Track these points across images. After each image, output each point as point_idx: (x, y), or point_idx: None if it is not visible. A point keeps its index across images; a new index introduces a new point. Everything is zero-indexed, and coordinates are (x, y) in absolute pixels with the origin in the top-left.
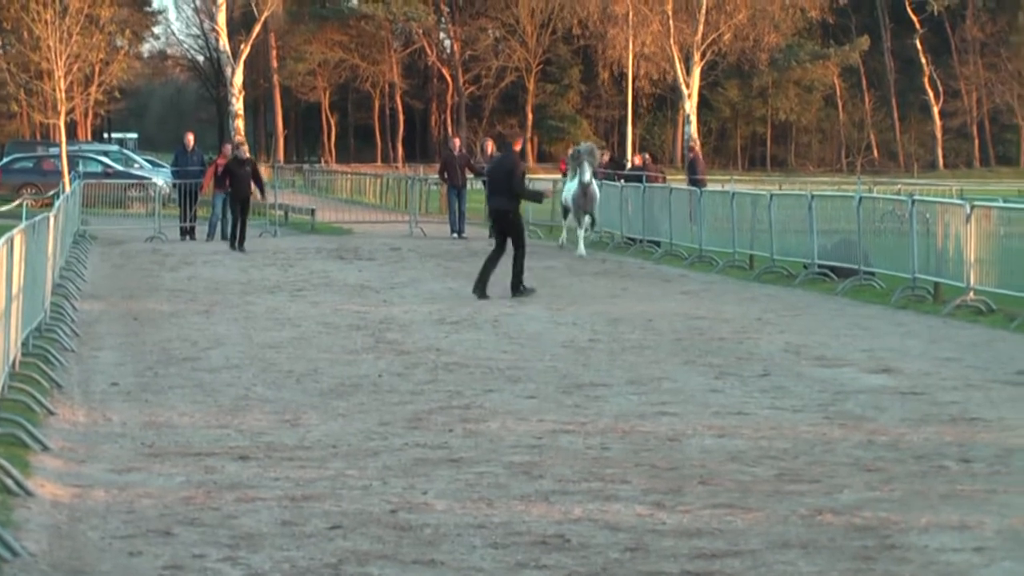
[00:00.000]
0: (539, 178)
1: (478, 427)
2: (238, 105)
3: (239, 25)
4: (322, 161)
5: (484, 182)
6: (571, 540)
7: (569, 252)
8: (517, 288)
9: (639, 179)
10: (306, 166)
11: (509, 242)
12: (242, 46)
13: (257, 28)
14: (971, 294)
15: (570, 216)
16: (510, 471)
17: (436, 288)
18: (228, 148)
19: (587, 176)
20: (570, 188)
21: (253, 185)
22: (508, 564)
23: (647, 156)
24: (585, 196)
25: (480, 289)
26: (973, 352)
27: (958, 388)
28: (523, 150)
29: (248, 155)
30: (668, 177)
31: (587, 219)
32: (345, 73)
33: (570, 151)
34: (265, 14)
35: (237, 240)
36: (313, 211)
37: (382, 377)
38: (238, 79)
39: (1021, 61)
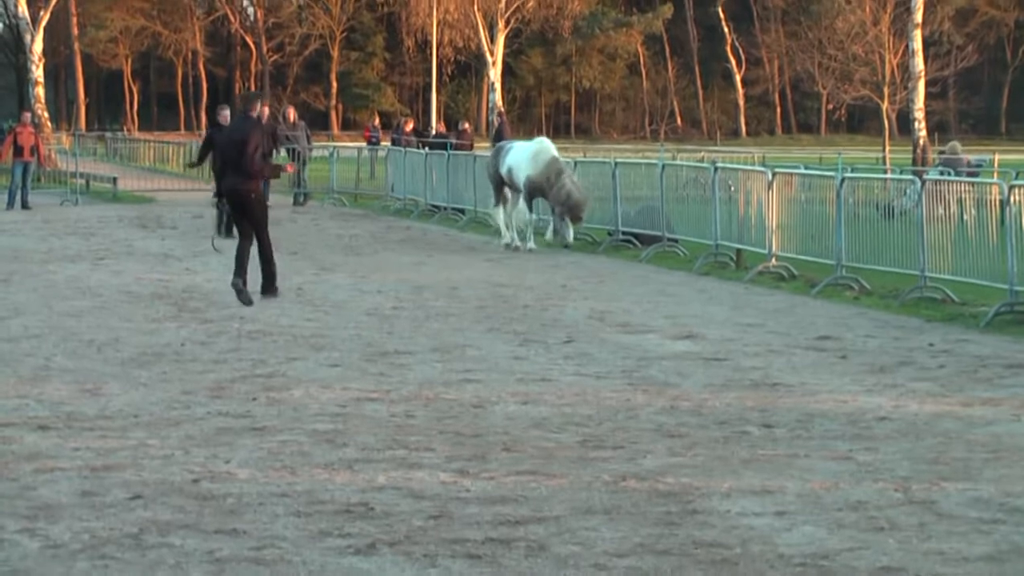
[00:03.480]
0: (344, 145)
1: (281, 395)
2: (38, 73)
3: None
4: (124, 129)
5: (288, 150)
6: (375, 508)
7: (384, 221)
8: (269, 288)
9: (443, 146)
10: (108, 134)
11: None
12: (41, 13)
13: None
14: (773, 260)
15: (518, 199)
16: (313, 439)
17: None
18: (27, 115)
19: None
20: (518, 159)
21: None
22: (311, 533)
23: (466, 125)
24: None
25: (239, 279)
26: (775, 318)
27: (760, 354)
28: (264, 116)
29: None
30: (475, 144)
31: (527, 216)
32: (147, 40)
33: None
34: None
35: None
36: (115, 179)
37: (184, 346)
38: (38, 46)
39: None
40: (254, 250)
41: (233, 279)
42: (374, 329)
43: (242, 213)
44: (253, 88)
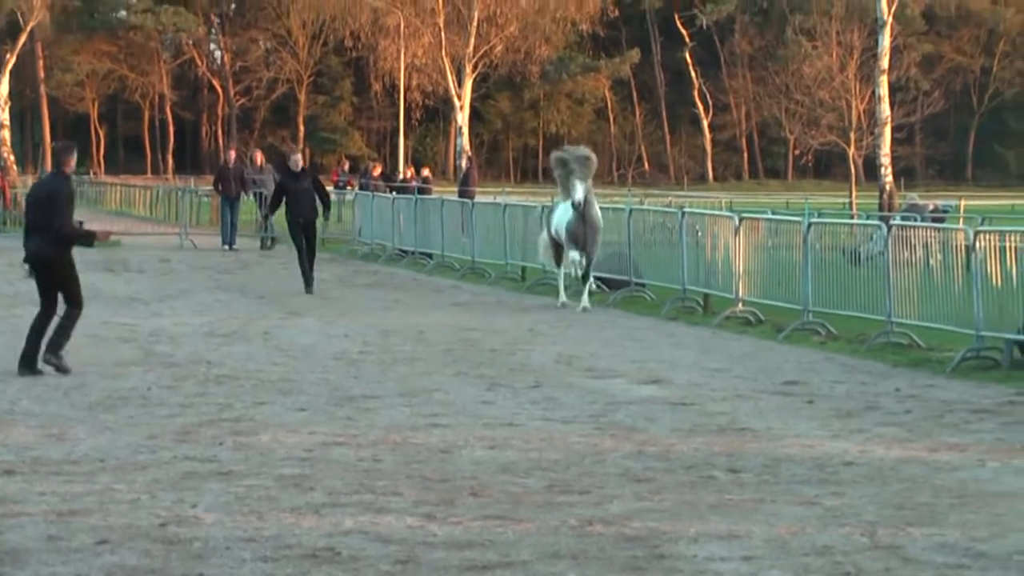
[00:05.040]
0: None
1: (248, 440)
2: (4, 116)
3: (4, 34)
4: (91, 173)
5: (256, 194)
6: (342, 553)
7: (351, 265)
8: (54, 353)
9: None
10: (74, 177)
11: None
12: (8, 55)
13: (23, 37)
14: (740, 305)
15: (563, 254)
16: (280, 484)
17: (207, 300)
18: None
19: (579, 194)
20: (561, 215)
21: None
22: None
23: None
24: (583, 224)
25: (28, 365)
26: (742, 363)
27: (727, 399)
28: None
29: (303, 164)
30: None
31: (577, 256)
32: (114, 84)
33: (553, 155)
34: (31, 23)
35: (305, 279)
36: (81, 223)
37: (151, 390)
38: (4, 89)
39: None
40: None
41: (47, 356)
42: (341, 373)
43: (48, 280)
44: (220, 132)
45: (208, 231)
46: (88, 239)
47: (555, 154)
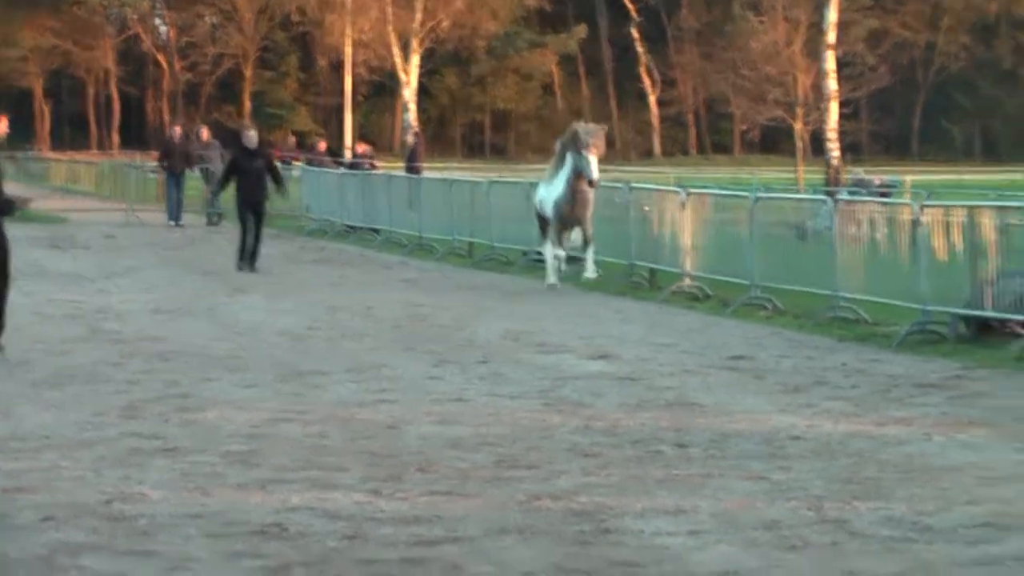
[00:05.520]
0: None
1: (195, 416)
2: None
3: None
4: (36, 149)
5: (202, 169)
6: (289, 529)
7: (298, 242)
8: None
9: (359, 167)
10: (19, 154)
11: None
12: None
13: None
14: (687, 280)
15: (550, 232)
16: (227, 460)
17: (153, 277)
18: None
19: (594, 171)
20: (548, 190)
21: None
22: (225, 554)
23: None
24: (575, 201)
25: None
26: (689, 337)
27: (674, 373)
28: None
29: (255, 142)
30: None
31: (576, 235)
32: (58, 59)
33: (564, 137)
34: None
35: (249, 259)
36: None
37: (97, 367)
38: None
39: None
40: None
41: None
42: (288, 349)
43: None
44: (166, 108)
45: (154, 207)
46: (9, 208)
47: (569, 128)
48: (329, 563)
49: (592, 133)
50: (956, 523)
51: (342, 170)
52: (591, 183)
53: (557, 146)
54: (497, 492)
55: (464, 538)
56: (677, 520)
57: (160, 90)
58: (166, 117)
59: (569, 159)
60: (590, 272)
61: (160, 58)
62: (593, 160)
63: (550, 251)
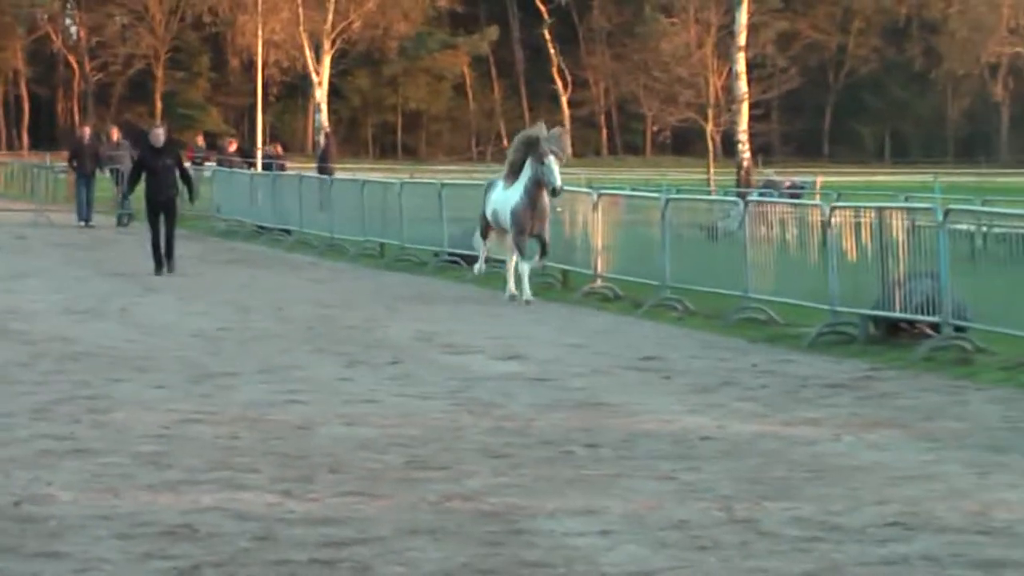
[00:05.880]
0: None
1: (105, 417)
2: None
3: None
4: None
5: (111, 170)
6: (199, 530)
7: (210, 242)
8: None
9: (269, 167)
10: None
11: None
12: None
13: None
14: (598, 281)
15: (506, 238)
16: (137, 461)
17: (63, 277)
18: None
19: (558, 179)
20: (504, 198)
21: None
22: (135, 555)
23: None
24: (535, 211)
25: None
26: (600, 338)
27: (585, 374)
28: None
29: (163, 140)
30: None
31: (534, 245)
32: None
33: (518, 138)
34: None
35: (165, 259)
36: None
37: (6, 368)
38: None
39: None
40: None
41: None
42: (199, 350)
43: None
44: (77, 108)
45: (64, 208)
46: None
47: (525, 133)
48: (239, 564)
49: (553, 140)
50: (865, 523)
51: (253, 170)
52: (554, 191)
53: (510, 153)
54: (408, 493)
55: (374, 539)
56: (587, 520)
57: (71, 90)
58: (76, 117)
59: (528, 167)
60: (528, 293)
61: (71, 58)
62: (556, 167)
63: (517, 263)
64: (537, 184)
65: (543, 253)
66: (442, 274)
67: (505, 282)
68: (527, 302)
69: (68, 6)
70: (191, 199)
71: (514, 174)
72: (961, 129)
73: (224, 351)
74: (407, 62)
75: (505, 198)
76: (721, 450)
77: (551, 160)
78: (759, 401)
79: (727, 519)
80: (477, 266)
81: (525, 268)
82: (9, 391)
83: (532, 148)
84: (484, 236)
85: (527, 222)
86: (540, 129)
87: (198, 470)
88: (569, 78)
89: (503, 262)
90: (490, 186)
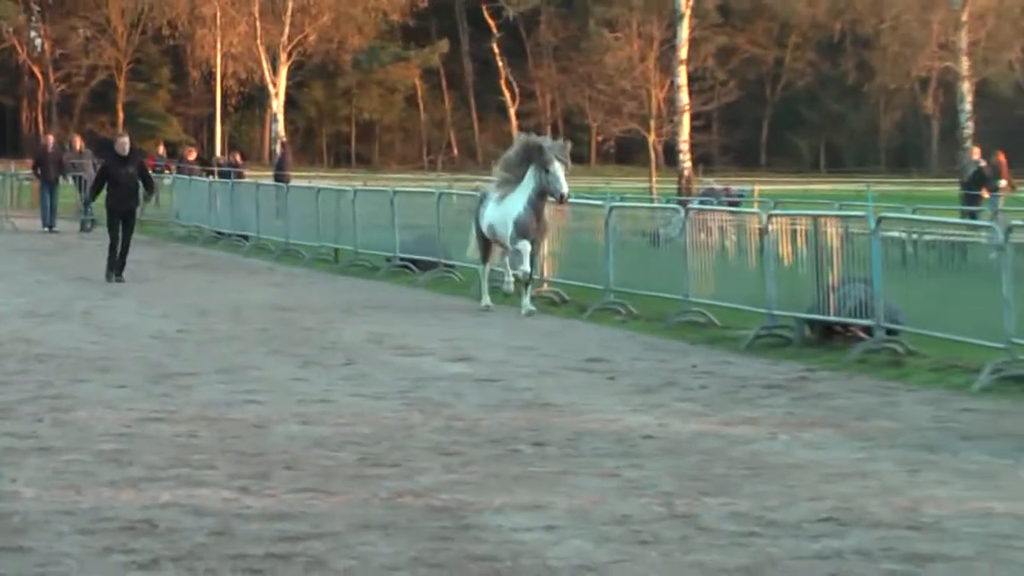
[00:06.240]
0: None
1: (68, 416)
2: None
3: None
4: None
5: (74, 177)
6: (159, 525)
7: (169, 247)
8: None
9: (228, 175)
10: None
11: None
12: None
13: None
14: (545, 286)
15: (497, 253)
16: (99, 459)
17: (27, 281)
18: None
19: (564, 186)
20: (503, 211)
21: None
22: (96, 550)
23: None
24: (539, 222)
25: None
26: (547, 341)
27: (532, 375)
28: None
29: (128, 148)
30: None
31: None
32: None
33: (517, 144)
34: None
35: (117, 268)
36: None
37: None
38: None
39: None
40: None
41: None
42: (159, 352)
43: None
44: (41, 118)
45: (28, 214)
46: None
47: (528, 139)
48: (197, 558)
49: (557, 148)
50: (800, 518)
51: (211, 179)
52: (561, 198)
53: (506, 162)
54: (360, 489)
55: (328, 534)
56: (534, 516)
57: (35, 100)
58: (41, 126)
59: (531, 177)
60: (528, 304)
61: (35, 69)
62: (562, 174)
63: (513, 271)
64: (541, 194)
65: (532, 263)
66: (394, 278)
67: (504, 289)
68: (528, 313)
69: (33, 19)
70: (154, 200)
71: (508, 184)
72: (893, 140)
73: (183, 352)
74: (360, 74)
75: (504, 210)
76: (662, 448)
77: (557, 167)
78: (699, 401)
79: (668, 514)
80: (484, 300)
81: (523, 277)
82: None
83: (535, 156)
84: (485, 259)
85: (531, 233)
86: (544, 138)
87: (157, 467)
88: (517, 90)
89: (502, 273)
90: (482, 200)
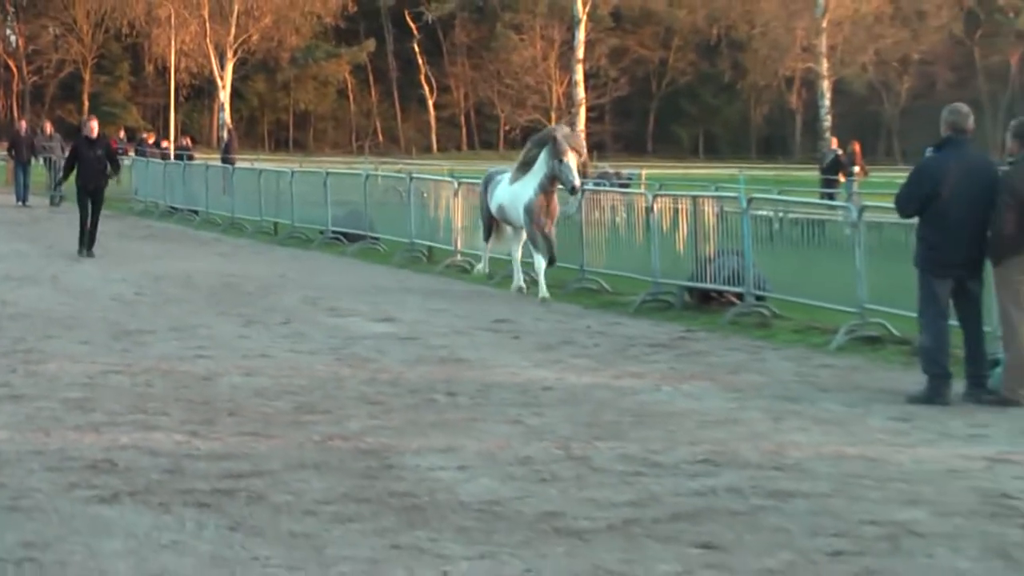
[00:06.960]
0: None
1: (38, 368)
2: None
3: None
4: None
5: (45, 159)
6: (118, 464)
7: (129, 221)
8: None
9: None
10: None
11: None
12: None
13: None
14: (458, 256)
15: (511, 232)
16: (65, 406)
17: (2, 249)
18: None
19: (576, 178)
20: (514, 193)
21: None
22: (62, 485)
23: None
24: (548, 207)
25: None
26: (460, 304)
27: (447, 334)
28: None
29: (96, 131)
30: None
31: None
32: None
33: (544, 133)
34: None
35: (87, 242)
36: None
37: None
38: None
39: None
40: None
41: None
42: (119, 312)
43: None
44: (16, 106)
45: (4, 190)
46: None
47: (546, 132)
48: (152, 493)
49: (570, 138)
50: (679, 460)
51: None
52: (573, 190)
53: (525, 152)
54: (296, 433)
55: (267, 472)
56: (448, 457)
57: (10, 90)
58: (15, 113)
59: (544, 163)
60: (544, 292)
61: (10, 62)
62: (574, 165)
63: (539, 260)
64: (552, 180)
65: (551, 259)
66: (327, 249)
67: (512, 278)
68: (543, 299)
69: (8, 18)
70: (116, 177)
71: (526, 168)
72: (762, 131)
73: (140, 313)
74: (298, 69)
75: (515, 193)
76: (560, 398)
77: (571, 158)
78: (592, 357)
79: (565, 456)
80: (480, 265)
81: (542, 265)
82: None
83: (550, 145)
84: (488, 235)
85: (541, 218)
86: (559, 128)
87: (117, 413)
88: (435, 84)
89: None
90: (489, 180)
